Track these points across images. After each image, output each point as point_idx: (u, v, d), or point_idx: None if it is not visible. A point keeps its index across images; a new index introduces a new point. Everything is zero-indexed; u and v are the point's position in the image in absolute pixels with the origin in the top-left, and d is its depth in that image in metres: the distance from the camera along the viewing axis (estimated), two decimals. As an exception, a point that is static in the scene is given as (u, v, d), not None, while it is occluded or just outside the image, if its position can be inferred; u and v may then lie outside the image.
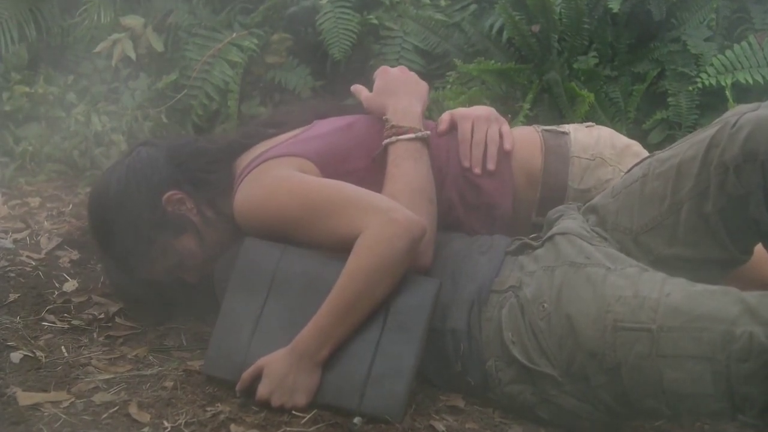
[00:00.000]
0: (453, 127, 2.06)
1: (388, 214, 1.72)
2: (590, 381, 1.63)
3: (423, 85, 2.06)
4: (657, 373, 1.55)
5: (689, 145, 1.71)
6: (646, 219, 1.74)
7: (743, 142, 1.60)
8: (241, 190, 1.91)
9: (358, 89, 2.08)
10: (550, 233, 1.81)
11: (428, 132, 1.94)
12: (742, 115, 1.64)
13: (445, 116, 2.07)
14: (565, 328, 1.64)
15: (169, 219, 1.97)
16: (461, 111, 2.08)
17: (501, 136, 2.03)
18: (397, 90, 2.01)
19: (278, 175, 1.88)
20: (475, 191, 2.01)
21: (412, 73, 2.07)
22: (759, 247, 1.74)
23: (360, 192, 1.80)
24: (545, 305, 1.68)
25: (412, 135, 1.91)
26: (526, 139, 2.08)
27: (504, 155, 2.02)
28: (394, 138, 1.91)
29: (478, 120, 2.05)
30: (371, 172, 1.93)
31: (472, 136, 2.02)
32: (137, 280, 2.02)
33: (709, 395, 1.52)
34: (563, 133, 2.09)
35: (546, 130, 2.11)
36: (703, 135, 1.70)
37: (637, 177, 1.78)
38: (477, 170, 2.00)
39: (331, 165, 1.92)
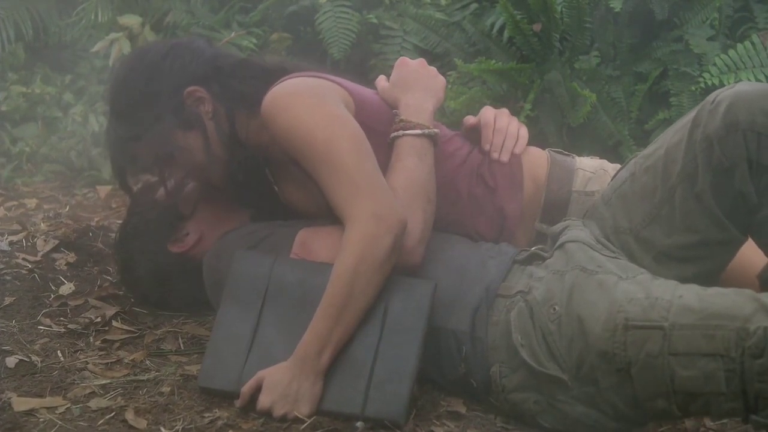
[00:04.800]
0: (477, 124, 2.10)
1: (377, 208, 1.72)
2: (599, 383, 1.62)
3: (440, 81, 2.06)
4: (668, 371, 1.53)
5: (672, 133, 1.74)
6: (643, 214, 1.74)
7: (723, 115, 1.63)
8: (286, 84, 1.88)
9: (379, 80, 2.10)
10: (560, 241, 1.81)
11: (436, 130, 1.94)
12: (719, 93, 1.68)
13: (470, 118, 2.12)
14: (575, 329, 1.63)
15: (183, 111, 1.94)
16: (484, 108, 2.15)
17: (518, 137, 2.08)
18: (412, 84, 2.01)
19: (326, 99, 1.86)
20: (488, 193, 2.02)
21: (431, 68, 2.08)
22: (745, 248, 1.75)
23: (371, 171, 1.79)
24: (556, 307, 1.67)
25: (419, 131, 1.92)
26: (533, 151, 2.12)
27: (518, 165, 2.05)
28: (401, 132, 1.92)
29: (501, 113, 2.11)
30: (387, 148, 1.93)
31: (495, 125, 2.08)
32: (130, 162, 1.99)
33: (721, 394, 1.51)
34: (569, 154, 2.14)
35: (552, 150, 2.15)
36: (684, 120, 1.72)
37: (625, 178, 1.80)
38: (495, 155, 2.03)
39: (364, 114, 1.92)
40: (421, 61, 2.08)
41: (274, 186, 2.05)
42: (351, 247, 1.71)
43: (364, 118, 1.89)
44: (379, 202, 1.74)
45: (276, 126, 1.83)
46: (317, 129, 1.79)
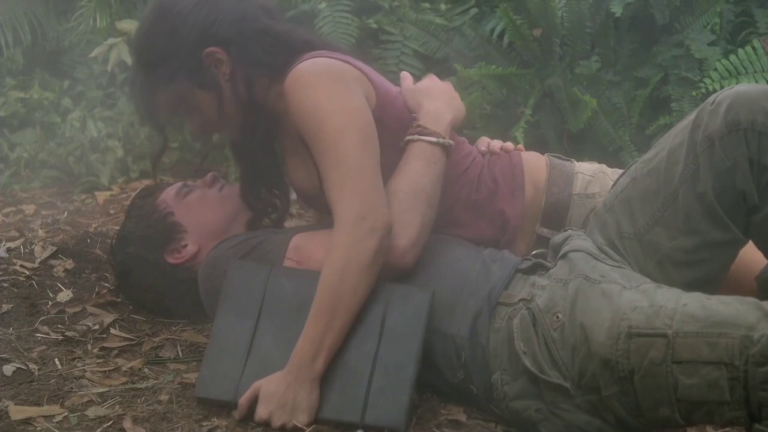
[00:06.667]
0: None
1: (363, 209, 1.73)
2: (602, 391, 1.61)
3: (462, 104, 2.09)
4: (671, 380, 1.53)
5: (673, 135, 1.75)
6: (646, 217, 1.74)
7: (724, 114, 1.64)
8: (314, 62, 1.89)
9: (404, 76, 2.12)
10: (563, 251, 1.80)
11: (451, 141, 1.96)
12: (719, 94, 1.70)
13: None
14: (578, 337, 1.62)
15: (200, 70, 1.94)
16: None
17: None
18: (436, 94, 2.04)
19: (349, 88, 1.87)
20: (489, 196, 2.03)
21: (456, 93, 2.11)
22: (745, 250, 1.75)
23: (370, 169, 1.79)
24: (559, 315, 1.67)
25: (433, 139, 1.93)
26: (532, 156, 2.14)
27: (519, 168, 2.07)
28: (415, 137, 1.93)
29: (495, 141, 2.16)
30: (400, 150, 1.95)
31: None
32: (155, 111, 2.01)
33: (724, 403, 1.50)
34: (567, 159, 2.16)
35: (551, 155, 2.17)
36: (685, 122, 1.73)
37: (627, 184, 1.80)
38: (496, 149, 2.08)
39: (383, 111, 1.93)
40: (448, 83, 2.12)
41: (278, 155, 2.07)
42: (336, 250, 1.73)
43: (382, 114, 1.91)
44: (366, 203, 1.75)
45: (294, 102, 1.85)
46: (331, 115, 1.81)
